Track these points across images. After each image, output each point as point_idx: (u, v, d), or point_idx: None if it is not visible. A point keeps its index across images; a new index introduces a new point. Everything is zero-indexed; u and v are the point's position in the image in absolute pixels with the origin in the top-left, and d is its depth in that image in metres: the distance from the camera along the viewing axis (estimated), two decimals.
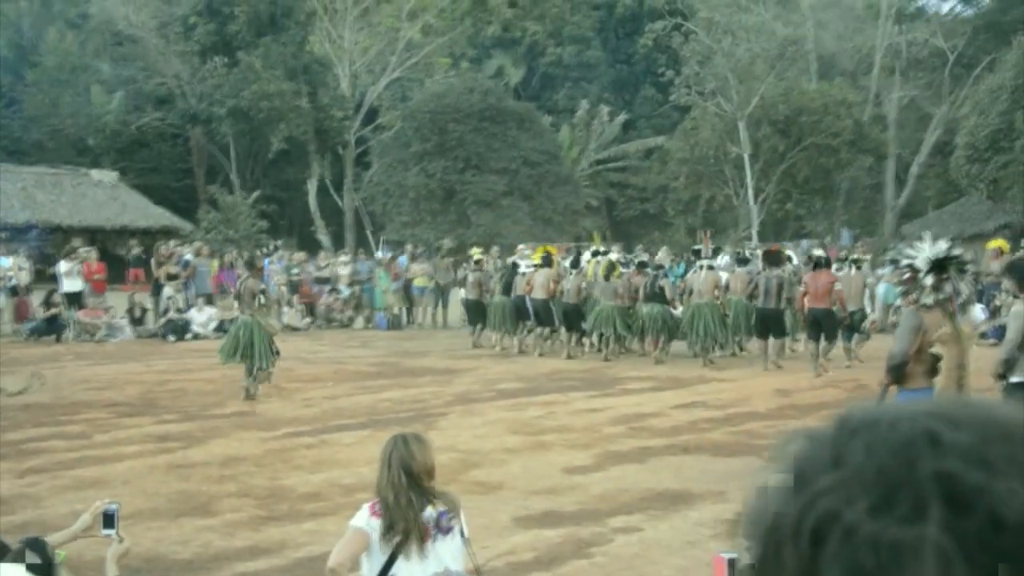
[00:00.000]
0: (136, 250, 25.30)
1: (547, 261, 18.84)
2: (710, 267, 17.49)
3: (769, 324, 16.52)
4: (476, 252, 22.45)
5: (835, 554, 0.61)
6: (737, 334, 17.83)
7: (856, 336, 16.90)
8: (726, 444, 10.46)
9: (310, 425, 11.50)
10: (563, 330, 18.50)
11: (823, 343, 15.76)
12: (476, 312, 20.29)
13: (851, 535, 0.61)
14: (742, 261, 19.03)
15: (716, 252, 18.85)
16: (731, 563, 3.29)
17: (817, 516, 0.62)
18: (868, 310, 18.66)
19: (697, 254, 18.12)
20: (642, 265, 18.59)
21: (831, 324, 15.74)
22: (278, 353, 13.23)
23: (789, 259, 19.10)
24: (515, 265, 20.13)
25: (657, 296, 17.42)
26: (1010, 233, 28.82)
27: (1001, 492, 0.59)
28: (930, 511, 0.59)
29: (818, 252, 18.52)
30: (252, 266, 13.80)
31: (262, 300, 13.51)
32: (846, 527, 0.61)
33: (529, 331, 19.23)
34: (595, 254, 18.91)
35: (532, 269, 19.02)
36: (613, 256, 18.99)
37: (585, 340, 18.50)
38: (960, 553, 0.58)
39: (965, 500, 0.59)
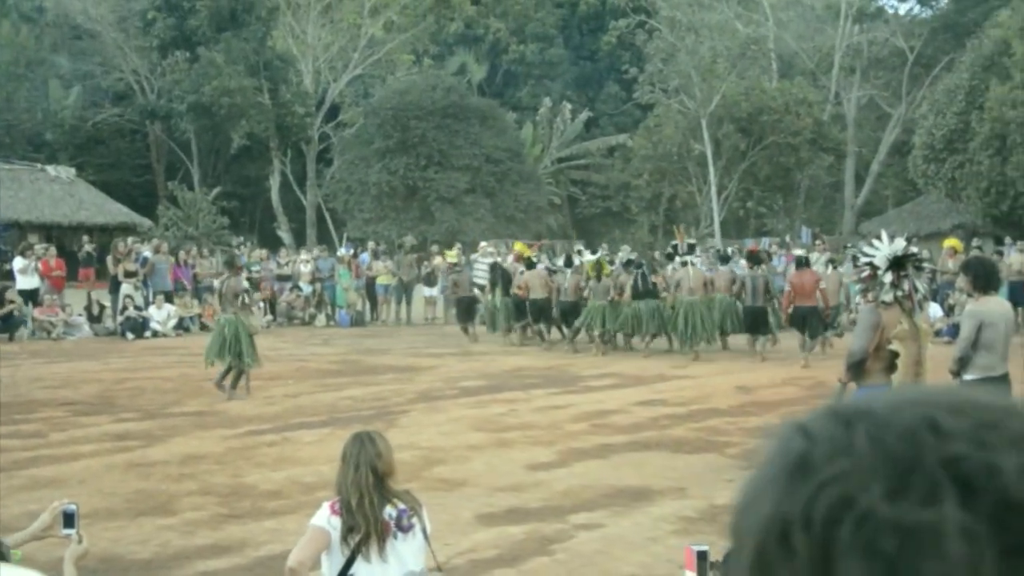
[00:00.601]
0: (87, 247, 24.52)
1: (530, 264, 19.59)
2: (692, 264, 17.74)
3: (756, 321, 16.96)
4: (452, 254, 22.80)
5: (852, 539, 0.61)
6: (724, 330, 18.06)
7: (830, 331, 17.33)
8: (687, 440, 10.52)
9: (271, 423, 11.44)
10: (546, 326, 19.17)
11: (807, 339, 16.28)
12: (470, 311, 20.66)
13: (867, 520, 0.61)
14: (724, 259, 19.30)
15: (691, 248, 19.04)
16: (701, 555, 3.30)
17: (829, 504, 0.63)
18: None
19: (675, 249, 18.36)
20: (628, 263, 18.84)
21: (815, 321, 16.28)
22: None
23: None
24: (504, 271, 20.48)
25: (650, 293, 17.61)
26: (963, 232, 29.20)
27: (1010, 472, 0.61)
28: (946, 493, 0.61)
29: (798, 252, 18.95)
30: (232, 266, 13.72)
31: (245, 300, 13.49)
32: (861, 513, 0.62)
33: (523, 328, 19.82)
34: (580, 252, 19.34)
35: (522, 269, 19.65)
36: (598, 255, 19.38)
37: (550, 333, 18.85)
38: (981, 531, 0.60)
39: (976, 481, 0.61)
